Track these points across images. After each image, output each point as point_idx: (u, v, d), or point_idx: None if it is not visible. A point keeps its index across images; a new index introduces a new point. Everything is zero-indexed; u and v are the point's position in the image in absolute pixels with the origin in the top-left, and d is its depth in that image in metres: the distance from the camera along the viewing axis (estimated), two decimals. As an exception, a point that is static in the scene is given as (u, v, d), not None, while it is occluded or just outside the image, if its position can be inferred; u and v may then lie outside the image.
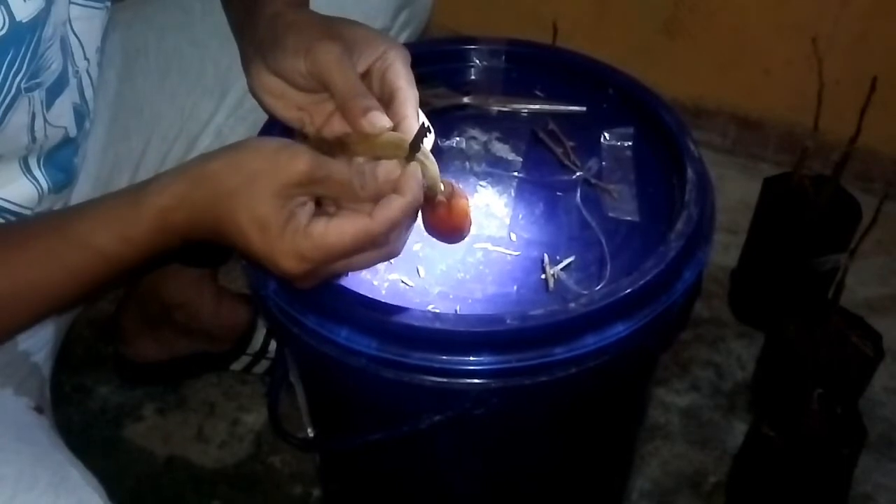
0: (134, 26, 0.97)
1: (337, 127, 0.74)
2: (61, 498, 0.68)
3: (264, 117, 0.87)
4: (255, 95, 0.79)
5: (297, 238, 0.65)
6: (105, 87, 0.92)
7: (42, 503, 0.67)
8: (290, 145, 0.66)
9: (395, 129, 0.71)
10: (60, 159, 0.82)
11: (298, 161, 0.64)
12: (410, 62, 0.75)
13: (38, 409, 0.84)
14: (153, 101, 0.97)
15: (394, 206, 0.67)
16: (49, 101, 0.76)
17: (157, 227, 0.67)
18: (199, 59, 0.96)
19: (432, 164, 0.71)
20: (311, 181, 0.65)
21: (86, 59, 0.81)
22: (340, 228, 0.66)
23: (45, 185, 0.81)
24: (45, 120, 0.77)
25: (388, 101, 0.73)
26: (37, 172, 0.80)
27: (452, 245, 0.79)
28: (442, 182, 0.72)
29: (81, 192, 0.93)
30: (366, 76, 0.75)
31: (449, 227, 0.74)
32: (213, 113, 0.97)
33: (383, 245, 0.68)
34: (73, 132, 0.81)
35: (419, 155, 0.69)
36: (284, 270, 0.66)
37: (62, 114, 0.79)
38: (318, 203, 0.68)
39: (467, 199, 0.74)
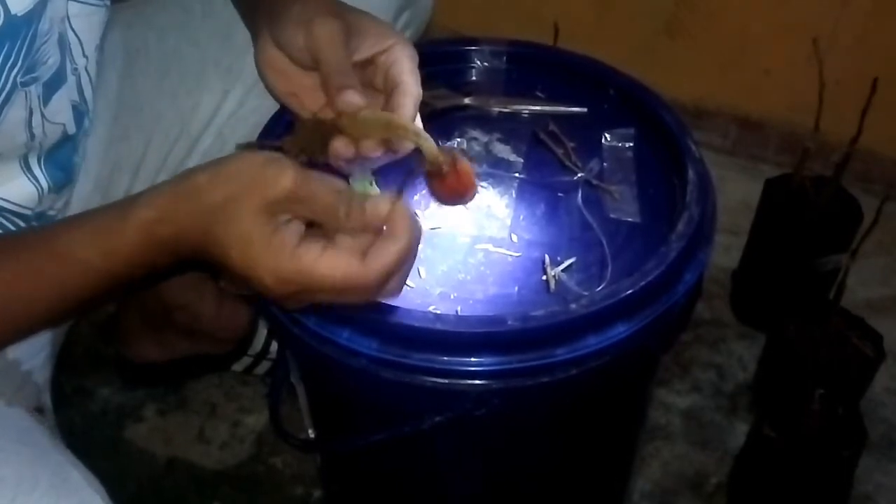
0: (134, 26, 0.97)
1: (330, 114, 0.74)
2: (62, 499, 0.67)
3: (265, 118, 0.88)
4: (259, 71, 0.80)
5: (281, 258, 0.63)
6: (106, 87, 0.92)
7: None
8: (277, 160, 0.65)
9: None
10: (60, 158, 0.82)
11: (284, 177, 0.63)
12: (418, 61, 0.76)
13: (39, 410, 0.84)
14: (153, 101, 0.97)
15: (388, 254, 0.64)
16: (46, 97, 0.76)
17: (143, 241, 0.66)
18: (200, 60, 0.96)
19: (429, 142, 0.71)
20: (295, 199, 0.64)
21: (85, 56, 0.81)
22: (333, 263, 0.64)
23: (45, 184, 0.81)
24: (44, 116, 0.76)
25: (389, 93, 0.74)
26: (37, 171, 0.80)
27: (461, 206, 0.80)
28: (442, 153, 0.72)
29: (83, 192, 0.93)
30: (369, 66, 0.76)
31: (459, 193, 0.74)
32: (214, 113, 0.97)
33: (376, 292, 0.66)
34: (71, 129, 0.81)
35: (415, 136, 0.70)
36: (265, 288, 0.65)
37: (60, 110, 0.79)
38: (311, 226, 0.67)
39: (469, 160, 0.74)
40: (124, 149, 0.97)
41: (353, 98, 0.71)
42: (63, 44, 0.77)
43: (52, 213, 0.86)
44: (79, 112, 0.82)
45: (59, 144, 0.81)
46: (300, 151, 0.71)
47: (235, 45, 0.95)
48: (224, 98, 0.97)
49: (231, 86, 0.96)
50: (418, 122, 0.75)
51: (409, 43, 0.77)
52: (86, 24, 0.80)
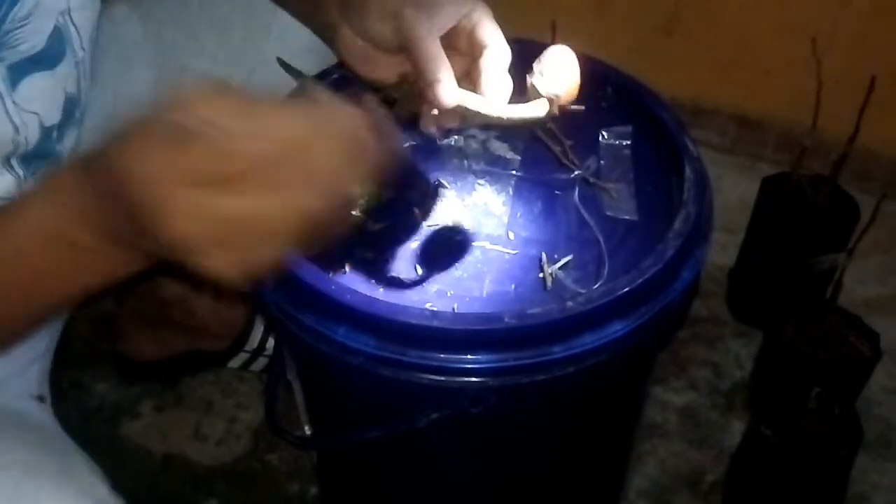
0: (131, 19, 0.98)
1: None
2: (67, 484, 0.68)
3: None
4: (344, 62, 0.80)
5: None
6: (103, 80, 0.93)
7: (48, 489, 0.67)
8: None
9: (479, 82, 0.75)
10: (40, 147, 0.82)
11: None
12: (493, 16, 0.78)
13: (41, 399, 0.84)
14: (151, 93, 0.97)
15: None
16: (13, 80, 0.75)
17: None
18: (196, 53, 0.97)
19: (518, 115, 0.75)
20: None
21: (83, 48, 0.81)
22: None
23: (22, 173, 0.81)
24: (15, 103, 0.75)
25: (476, 57, 0.76)
26: (13, 162, 0.80)
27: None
28: (539, 106, 0.75)
29: None
30: (453, 33, 0.77)
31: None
32: None
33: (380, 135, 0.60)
34: (55, 119, 0.81)
35: (502, 121, 0.74)
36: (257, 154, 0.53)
37: (33, 98, 0.77)
38: None
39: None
40: None
41: (444, 93, 0.71)
42: (62, 37, 0.77)
43: None
44: (71, 102, 0.82)
45: (42, 136, 0.81)
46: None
47: (232, 38, 0.95)
48: None
49: (227, 78, 0.96)
50: (507, 83, 0.76)
51: (483, 3, 0.78)
52: (84, 17, 0.80)
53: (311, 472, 1.22)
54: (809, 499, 1.14)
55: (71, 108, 0.83)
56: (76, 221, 0.57)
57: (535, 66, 0.76)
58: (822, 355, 1.19)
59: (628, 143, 0.89)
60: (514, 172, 0.87)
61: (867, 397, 1.28)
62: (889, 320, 1.34)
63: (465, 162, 0.88)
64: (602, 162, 0.88)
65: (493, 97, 0.74)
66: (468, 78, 0.78)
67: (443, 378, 0.71)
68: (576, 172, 0.87)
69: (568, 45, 1.00)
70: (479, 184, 0.86)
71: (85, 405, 1.29)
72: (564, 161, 0.88)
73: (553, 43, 1.08)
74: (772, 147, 1.62)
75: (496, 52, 0.76)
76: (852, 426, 1.10)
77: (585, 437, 0.90)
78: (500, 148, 0.89)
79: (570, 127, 0.90)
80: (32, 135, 0.78)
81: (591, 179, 0.86)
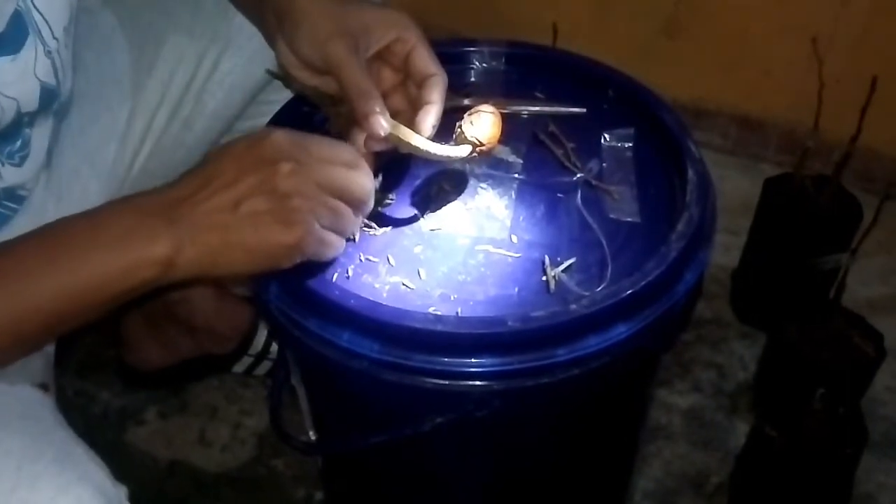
0: (107, 7, 0.99)
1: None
2: (67, 471, 0.68)
3: (240, 79, 0.99)
4: (283, 69, 0.84)
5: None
6: (84, 67, 0.93)
7: (48, 475, 0.67)
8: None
9: (419, 112, 0.79)
10: (12, 132, 0.82)
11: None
12: (423, 35, 0.81)
13: (44, 387, 0.84)
14: (133, 74, 0.99)
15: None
16: None
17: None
18: (173, 30, 0.99)
19: (447, 153, 0.80)
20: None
21: (55, 38, 0.81)
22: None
23: None
24: None
25: (418, 84, 0.81)
26: None
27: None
28: (460, 144, 0.81)
29: (69, 164, 0.95)
30: (386, 51, 0.81)
31: (493, 139, 0.83)
32: (191, 80, 0.99)
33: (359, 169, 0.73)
34: (29, 107, 0.81)
35: (436, 157, 0.80)
36: (268, 144, 0.70)
37: (11, 83, 0.77)
38: None
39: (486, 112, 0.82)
40: (108, 120, 0.99)
41: (377, 126, 0.76)
42: (22, 21, 0.77)
43: (23, 192, 0.87)
44: (49, 93, 0.83)
45: (15, 120, 0.81)
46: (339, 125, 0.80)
47: (205, 11, 0.98)
48: (199, 64, 0.99)
49: (204, 51, 0.99)
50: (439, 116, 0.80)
51: (412, 24, 0.81)
52: (49, 4, 0.80)
53: (316, 476, 1.22)
54: (815, 500, 1.14)
55: (49, 98, 0.83)
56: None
57: (467, 116, 0.82)
58: (826, 356, 1.19)
59: (630, 145, 0.89)
60: (516, 176, 0.87)
61: (872, 397, 1.28)
62: (893, 320, 1.33)
63: (468, 166, 0.88)
64: (604, 164, 0.88)
65: (426, 130, 0.79)
66: (402, 93, 0.84)
67: (447, 382, 0.71)
68: (578, 175, 0.87)
69: (568, 47, 1.01)
70: (481, 187, 0.86)
71: (90, 412, 1.29)
72: (566, 164, 0.88)
73: (554, 45, 1.09)
74: (773, 148, 1.62)
75: (438, 83, 0.80)
76: (857, 426, 1.10)
77: (590, 440, 0.90)
78: (502, 151, 0.89)
79: (572, 130, 0.91)
80: (8, 118, 0.79)
81: (594, 182, 0.86)
